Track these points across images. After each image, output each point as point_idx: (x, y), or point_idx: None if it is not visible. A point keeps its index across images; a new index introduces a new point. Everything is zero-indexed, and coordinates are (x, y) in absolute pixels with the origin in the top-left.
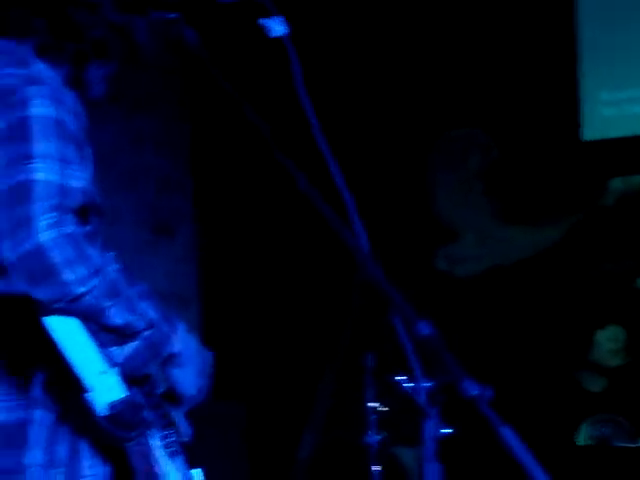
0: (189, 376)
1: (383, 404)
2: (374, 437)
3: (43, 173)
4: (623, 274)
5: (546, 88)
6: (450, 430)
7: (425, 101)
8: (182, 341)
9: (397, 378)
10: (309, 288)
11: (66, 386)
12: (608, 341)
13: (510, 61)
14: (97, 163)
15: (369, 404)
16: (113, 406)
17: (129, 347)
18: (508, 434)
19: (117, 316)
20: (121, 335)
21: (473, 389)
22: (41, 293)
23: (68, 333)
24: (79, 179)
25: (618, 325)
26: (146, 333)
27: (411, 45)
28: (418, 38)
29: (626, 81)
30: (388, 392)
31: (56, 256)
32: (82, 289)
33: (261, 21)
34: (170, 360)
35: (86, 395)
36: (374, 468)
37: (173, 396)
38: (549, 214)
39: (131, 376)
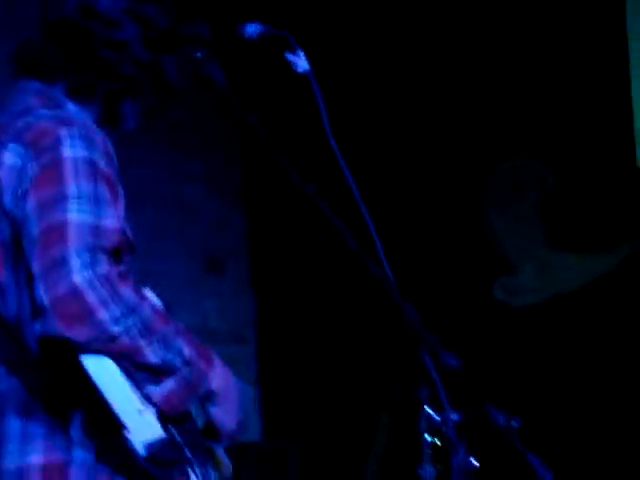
0: (228, 412)
1: (437, 437)
2: (429, 470)
3: (77, 214)
4: None
5: (601, 114)
6: (478, 463)
7: (478, 131)
8: (220, 377)
9: (428, 411)
10: (363, 321)
11: (104, 426)
12: None
13: (564, 88)
14: (148, 201)
15: (424, 437)
16: (150, 446)
17: (166, 386)
18: (537, 464)
19: (153, 355)
20: (157, 373)
21: (501, 420)
22: (77, 334)
23: (105, 373)
24: (112, 218)
25: None
26: (183, 371)
27: (458, 74)
28: (464, 68)
29: None
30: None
31: (91, 297)
32: (117, 329)
33: (287, 56)
34: (208, 397)
35: (124, 435)
36: None
37: (213, 432)
38: (606, 241)
39: (169, 414)
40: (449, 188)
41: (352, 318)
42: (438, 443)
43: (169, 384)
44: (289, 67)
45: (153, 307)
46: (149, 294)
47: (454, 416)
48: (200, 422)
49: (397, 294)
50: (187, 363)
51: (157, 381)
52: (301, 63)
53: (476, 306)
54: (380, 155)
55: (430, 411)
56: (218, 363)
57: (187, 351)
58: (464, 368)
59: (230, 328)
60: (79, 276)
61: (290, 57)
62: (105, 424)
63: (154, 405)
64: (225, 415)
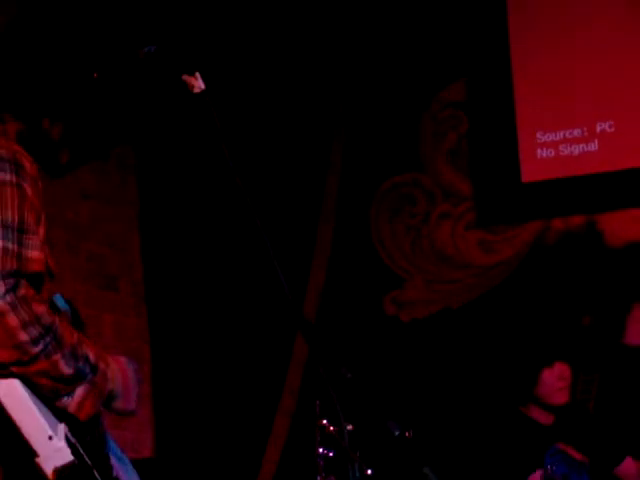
0: (127, 398)
1: (331, 449)
2: None
3: (1, 241)
4: (570, 312)
5: (486, 132)
6: (373, 471)
7: (370, 148)
8: (114, 370)
9: (323, 423)
10: (257, 336)
11: (14, 452)
12: (555, 379)
13: (451, 104)
14: (46, 220)
15: (319, 449)
16: (60, 470)
17: (78, 393)
18: (429, 473)
19: (67, 366)
20: (71, 382)
21: (395, 430)
22: (1, 355)
23: (14, 399)
24: (35, 248)
25: (564, 362)
26: (90, 376)
27: (338, 90)
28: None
29: (561, 123)
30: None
31: (13, 319)
32: (36, 349)
33: (184, 77)
34: (111, 397)
35: (34, 460)
36: None
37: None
38: (494, 254)
39: (82, 429)
40: (343, 202)
41: (246, 334)
42: (331, 454)
43: (80, 391)
44: (186, 88)
45: (61, 322)
46: (59, 299)
47: (349, 427)
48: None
49: (295, 310)
50: (93, 368)
51: (70, 390)
52: (197, 83)
53: (368, 319)
54: (275, 173)
55: (325, 422)
56: (109, 358)
57: (92, 356)
58: (358, 380)
59: (125, 345)
60: (3, 299)
61: (187, 78)
62: (15, 450)
63: (67, 418)
64: (126, 402)
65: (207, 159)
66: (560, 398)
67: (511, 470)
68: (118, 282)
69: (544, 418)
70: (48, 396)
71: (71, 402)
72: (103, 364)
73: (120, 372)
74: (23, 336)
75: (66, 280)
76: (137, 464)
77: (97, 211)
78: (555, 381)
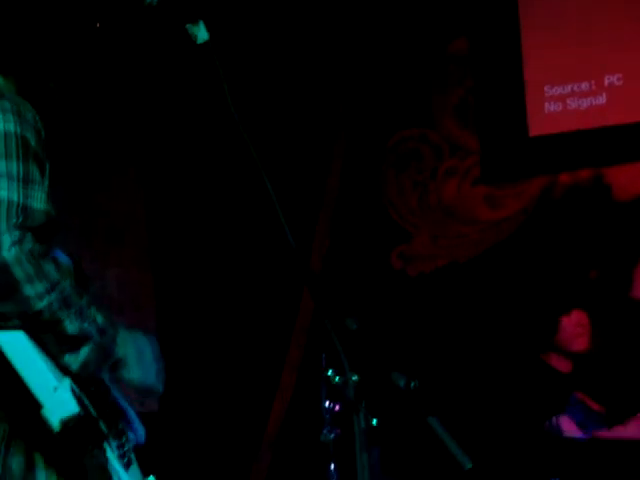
0: (143, 369)
1: (337, 402)
2: (329, 435)
3: (5, 192)
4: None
5: (493, 86)
6: (377, 421)
7: (378, 103)
8: (124, 340)
9: (328, 374)
10: (261, 288)
11: (19, 403)
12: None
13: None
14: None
15: (324, 402)
16: (65, 422)
17: (82, 353)
18: (434, 423)
19: (71, 326)
20: (75, 342)
21: (400, 381)
22: (3, 307)
23: (19, 351)
24: (40, 200)
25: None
26: (96, 338)
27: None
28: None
29: (569, 76)
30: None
31: (18, 272)
32: (40, 305)
33: (187, 27)
34: (116, 365)
35: (39, 412)
36: (332, 466)
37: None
38: (501, 209)
39: (87, 381)
40: (350, 157)
41: (253, 286)
42: (337, 408)
43: (85, 351)
44: (189, 38)
45: (71, 283)
46: (60, 254)
47: (354, 377)
48: (115, 390)
49: (301, 262)
50: (101, 330)
51: (75, 349)
52: (200, 34)
53: (375, 273)
54: (282, 130)
55: (330, 373)
56: (121, 327)
57: (100, 319)
58: (363, 331)
59: (132, 298)
60: (8, 252)
61: (190, 28)
62: (20, 402)
63: (70, 375)
64: (142, 373)
65: (210, 112)
66: (579, 345)
67: (529, 418)
68: (123, 236)
69: (563, 366)
70: (52, 352)
71: (74, 360)
72: (113, 329)
73: (134, 342)
74: (28, 290)
75: (70, 234)
76: (143, 417)
77: (102, 165)
78: (574, 327)
